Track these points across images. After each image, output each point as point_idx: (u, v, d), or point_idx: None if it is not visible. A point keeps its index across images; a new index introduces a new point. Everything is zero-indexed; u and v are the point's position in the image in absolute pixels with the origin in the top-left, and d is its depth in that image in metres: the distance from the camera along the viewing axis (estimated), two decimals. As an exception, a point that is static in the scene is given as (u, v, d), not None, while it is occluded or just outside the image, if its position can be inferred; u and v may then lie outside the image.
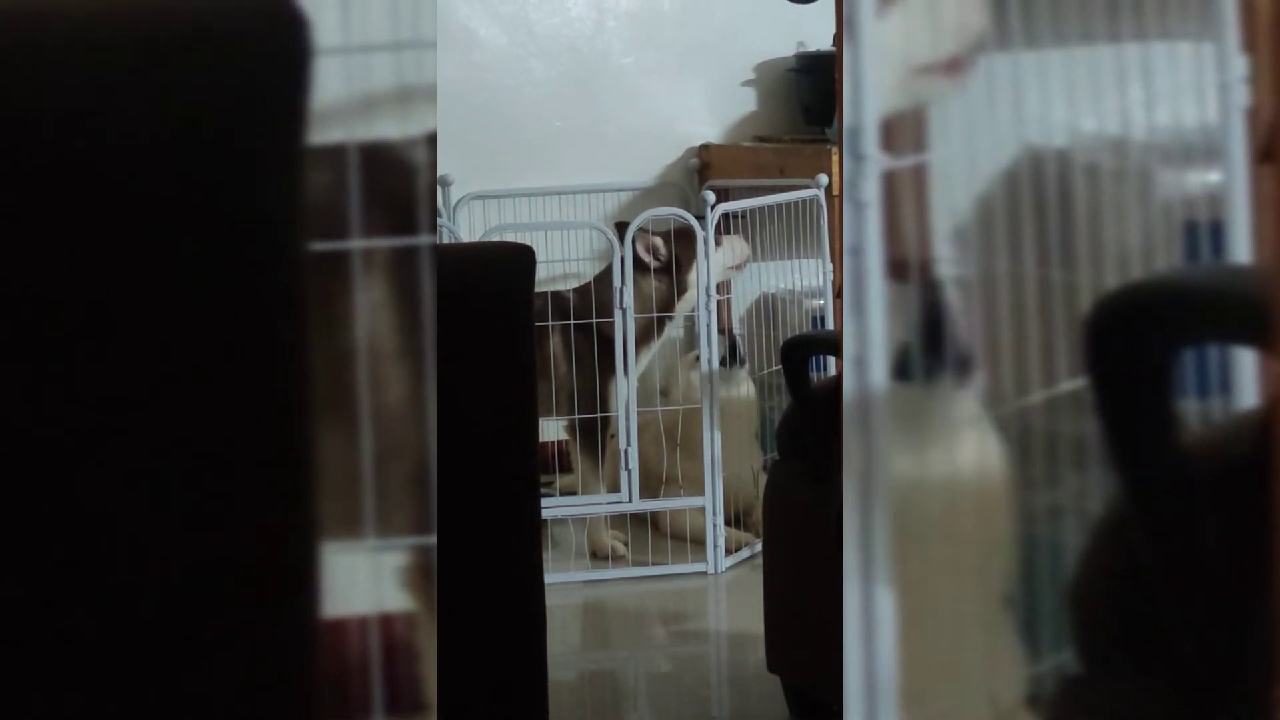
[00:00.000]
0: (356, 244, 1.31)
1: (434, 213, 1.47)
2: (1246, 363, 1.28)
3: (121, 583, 1.16)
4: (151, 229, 1.15)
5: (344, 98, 1.37)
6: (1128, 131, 1.33)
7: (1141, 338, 1.10)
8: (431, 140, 1.41)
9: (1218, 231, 1.35)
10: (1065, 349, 1.27)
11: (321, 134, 1.29)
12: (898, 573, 1.25)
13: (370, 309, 1.36)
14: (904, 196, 1.24)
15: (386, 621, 1.40)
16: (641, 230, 3.76)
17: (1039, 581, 1.29)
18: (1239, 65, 1.34)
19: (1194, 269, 1.34)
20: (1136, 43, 1.32)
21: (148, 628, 1.17)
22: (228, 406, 1.18)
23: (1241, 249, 1.34)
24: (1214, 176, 1.36)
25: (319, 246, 1.27)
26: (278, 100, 1.17)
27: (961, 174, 1.29)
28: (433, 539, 1.38)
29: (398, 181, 1.35)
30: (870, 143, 1.23)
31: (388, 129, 1.37)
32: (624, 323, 3.66)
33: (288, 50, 1.17)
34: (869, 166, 1.22)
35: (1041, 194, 1.28)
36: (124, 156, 1.14)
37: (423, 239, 1.31)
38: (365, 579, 1.38)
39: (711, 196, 3.76)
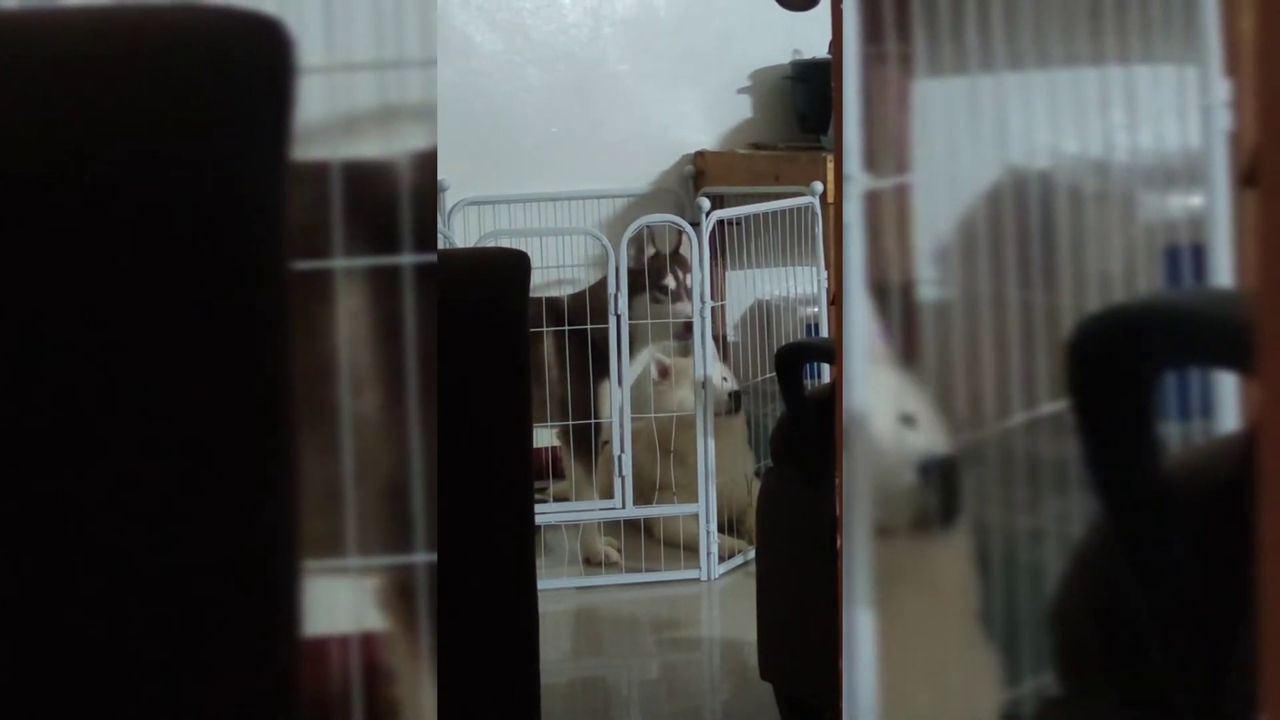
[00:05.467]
0: (339, 263, 1.31)
1: (433, 228, 1.47)
2: (1228, 386, 1.28)
3: (99, 598, 1.16)
4: (134, 245, 1.15)
5: (332, 116, 1.37)
6: (1110, 154, 1.33)
7: (1123, 360, 1.10)
8: (430, 158, 1.41)
9: (1200, 255, 1.35)
10: (1047, 371, 1.27)
11: (306, 152, 1.29)
12: (878, 594, 1.25)
13: (346, 323, 1.36)
14: (886, 217, 1.24)
15: (363, 642, 1.39)
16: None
17: (1019, 604, 1.29)
18: (1222, 89, 1.34)
19: (1176, 292, 1.34)
20: (1120, 65, 1.32)
21: (127, 643, 1.17)
22: (209, 422, 1.18)
23: (1223, 272, 1.34)
24: (1196, 200, 1.36)
25: (302, 265, 1.28)
26: (261, 118, 1.17)
27: (944, 195, 1.29)
28: (419, 556, 1.38)
29: (379, 199, 1.35)
30: (853, 163, 1.23)
31: (375, 147, 1.37)
32: (618, 329, 3.66)
33: (272, 68, 1.17)
34: (852, 187, 1.22)
35: (1024, 216, 1.29)
36: (105, 172, 1.14)
37: (404, 258, 1.31)
38: (344, 598, 1.38)
39: (707, 203, 3.77)
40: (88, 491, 1.16)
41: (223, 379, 1.18)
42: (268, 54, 1.17)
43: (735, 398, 3.84)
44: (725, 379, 3.87)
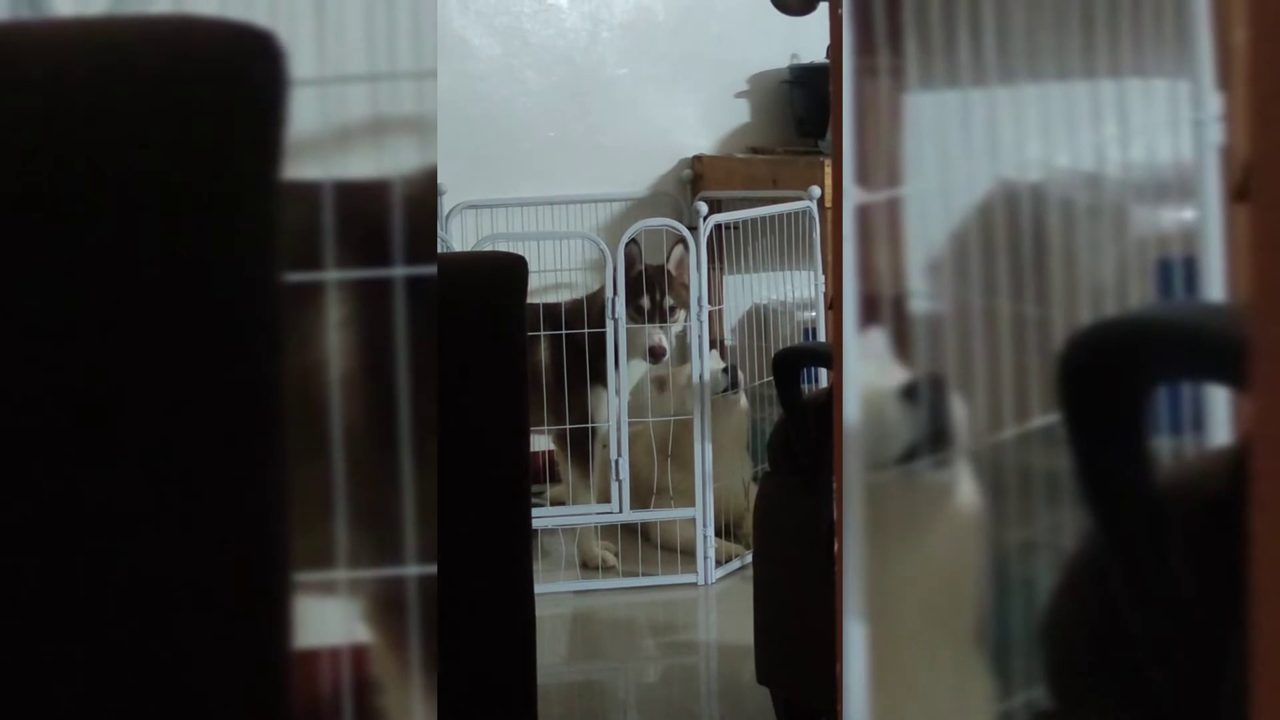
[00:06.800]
0: (331, 275, 1.31)
1: (433, 240, 1.47)
2: (1220, 400, 1.28)
3: (93, 608, 1.16)
4: (126, 259, 1.15)
5: (331, 127, 1.37)
6: (1102, 168, 1.33)
7: (1115, 373, 1.10)
8: (430, 171, 1.41)
9: (1191, 268, 1.36)
10: (1039, 384, 1.27)
11: (302, 164, 1.29)
12: (870, 607, 1.25)
13: (335, 335, 1.36)
14: (878, 230, 1.25)
15: (352, 654, 1.39)
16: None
17: (1011, 617, 1.30)
18: (1214, 103, 1.35)
19: (1168, 305, 1.34)
20: (1112, 79, 1.32)
21: (120, 652, 1.17)
22: (200, 431, 1.18)
23: (1215, 286, 1.34)
24: (1188, 213, 1.36)
25: (295, 278, 1.28)
26: (254, 129, 1.17)
27: (936, 208, 1.30)
28: (410, 569, 1.38)
29: (372, 212, 1.35)
30: (846, 176, 1.24)
31: (372, 159, 1.37)
32: (616, 333, 3.66)
33: (264, 80, 1.17)
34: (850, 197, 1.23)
35: (1016, 229, 1.29)
36: (97, 186, 1.14)
37: (396, 271, 1.31)
38: (332, 611, 1.38)
39: (704, 208, 3.77)
40: (78, 500, 1.16)
41: (214, 389, 1.18)
42: (260, 66, 1.17)
43: (730, 373, 3.84)
44: (725, 371, 3.87)
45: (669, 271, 3.80)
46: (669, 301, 3.79)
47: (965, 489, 1.34)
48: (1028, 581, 1.28)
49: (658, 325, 3.77)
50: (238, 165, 1.17)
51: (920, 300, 1.31)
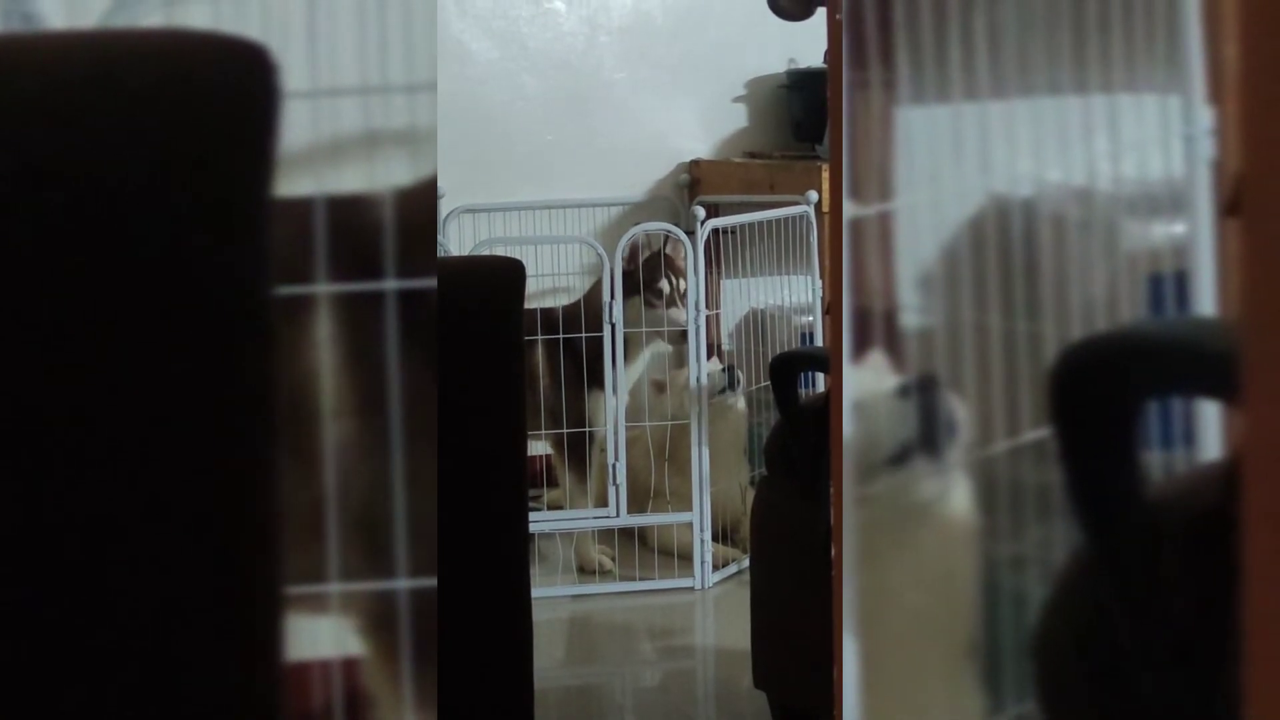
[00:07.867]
0: (325, 288, 1.31)
1: (432, 252, 1.47)
2: (1211, 414, 1.28)
3: (80, 622, 1.16)
4: (118, 272, 1.15)
5: (319, 140, 1.37)
6: (1093, 182, 1.33)
7: (1106, 389, 1.10)
8: (429, 185, 1.41)
9: (1183, 283, 1.36)
10: (1030, 398, 1.28)
11: (302, 177, 1.29)
12: (863, 622, 1.25)
13: (327, 349, 1.36)
14: (870, 244, 1.25)
15: (344, 667, 1.39)
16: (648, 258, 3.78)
17: (1002, 631, 1.30)
18: (1205, 117, 1.35)
19: (1159, 321, 1.34)
20: (1103, 94, 1.32)
21: (107, 666, 1.17)
22: (194, 448, 1.18)
23: (1206, 301, 1.35)
24: (1179, 228, 1.36)
25: (286, 290, 1.28)
26: (245, 144, 1.17)
27: (927, 223, 1.30)
28: (401, 582, 1.38)
29: (367, 225, 1.35)
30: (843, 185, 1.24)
31: (367, 172, 1.37)
32: (613, 337, 3.66)
33: (255, 94, 1.17)
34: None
35: (1007, 244, 1.29)
36: (89, 200, 1.14)
37: (389, 284, 1.31)
38: (324, 624, 1.38)
39: (702, 212, 3.77)
40: (68, 511, 1.16)
41: (207, 402, 1.18)
42: (252, 79, 1.17)
43: (729, 374, 3.84)
44: (724, 371, 3.87)
45: (666, 254, 3.80)
46: (682, 285, 3.78)
47: (960, 495, 1.34)
48: (1019, 595, 1.28)
49: (679, 308, 3.76)
50: (230, 178, 1.18)
51: (912, 314, 1.31)
